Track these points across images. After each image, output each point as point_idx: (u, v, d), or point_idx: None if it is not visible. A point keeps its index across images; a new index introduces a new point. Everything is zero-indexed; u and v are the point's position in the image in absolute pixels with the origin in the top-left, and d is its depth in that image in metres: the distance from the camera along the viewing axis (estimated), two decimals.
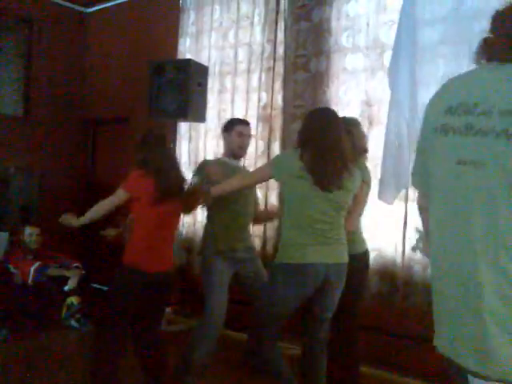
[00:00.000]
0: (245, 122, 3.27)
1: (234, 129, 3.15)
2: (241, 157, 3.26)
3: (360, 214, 2.85)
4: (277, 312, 2.53)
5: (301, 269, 2.44)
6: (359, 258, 2.82)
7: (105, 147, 5.99)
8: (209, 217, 3.13)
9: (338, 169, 2.44)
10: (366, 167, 2.95)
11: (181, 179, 2.85)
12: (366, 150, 2.98)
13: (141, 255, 2.75)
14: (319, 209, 2.44)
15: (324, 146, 2.44)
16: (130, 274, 2.76)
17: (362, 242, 2.95)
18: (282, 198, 2.70)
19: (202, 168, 3.14)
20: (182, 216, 2.96)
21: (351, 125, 2.82)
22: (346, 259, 2.55)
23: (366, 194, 2.85)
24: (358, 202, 2.69)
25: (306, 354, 2.70)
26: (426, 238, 1.47)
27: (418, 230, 3.38)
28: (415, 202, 3.30)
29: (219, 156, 3.51)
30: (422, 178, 1.41)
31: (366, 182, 2.75)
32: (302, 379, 2.69)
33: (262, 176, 2.75)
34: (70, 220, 2.87)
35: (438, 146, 1.32)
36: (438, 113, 1.33)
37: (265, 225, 4.23)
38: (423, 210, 1.48)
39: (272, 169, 2.58)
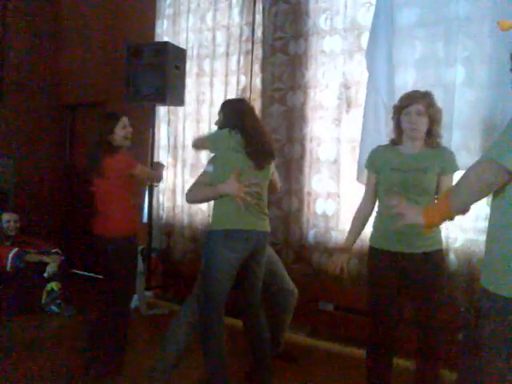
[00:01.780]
0: None
1: None
2: None
3: None
4: (215, 280, 2.62)
5: (234, 234, 2.62)
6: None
7: (82, 132, 5.91)
8: None
9: (270, 147, 2.79)
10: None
11: (92, 163, 3.13)
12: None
13: None
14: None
15: (256, 128, 2.74)
16: None
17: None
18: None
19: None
20: (105, 190, 3.14)
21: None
22: (269, 229, 2.79)
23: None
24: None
25: (245, 319, 2.84)
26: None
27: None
28: None
29: None
30: None
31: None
32: (247, 341, 2.84)
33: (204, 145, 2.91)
34: None
35: None
36: None
37: None
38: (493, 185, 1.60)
39: (209, 144, 2.81)
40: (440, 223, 1.82)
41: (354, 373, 3.08)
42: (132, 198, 3.21)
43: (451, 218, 1.78)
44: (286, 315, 3.30)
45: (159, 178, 3.74)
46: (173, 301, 4.63)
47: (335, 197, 3.87)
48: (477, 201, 1.65)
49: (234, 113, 2.77)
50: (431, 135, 2.50)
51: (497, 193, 1.63)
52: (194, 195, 2.80)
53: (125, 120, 3.15)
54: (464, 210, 1.75)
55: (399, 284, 2.53)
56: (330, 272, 2.64)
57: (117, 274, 3.13)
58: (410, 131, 2.47)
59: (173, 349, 2.88)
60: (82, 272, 5.64)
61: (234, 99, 2.94)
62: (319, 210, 3.97)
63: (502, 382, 1.59)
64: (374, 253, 2.59)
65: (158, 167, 3.60)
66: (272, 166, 2.86)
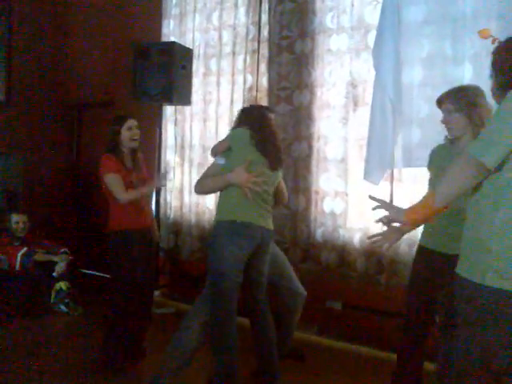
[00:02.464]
0: None
1: None
2: None
3: None
4: (223, 275, 2.61)
5: (239, 228, 2.63)
6: None
7: (89, 131, 5.93)
8: None
9: (280, 152, 2.83)
10: None
11: None
12: None
13: None
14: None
15: (270, 132, 2.80)
16: None
17: None
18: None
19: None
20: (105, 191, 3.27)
21: (478, 95, 2.44)
22: (272, 227, 2.81)
23: None
24: None
25: (251, 316, 2.84)
26: None
27: None
28: (400, 181, 3.36)
29: None
30: None
31: None
32: (254, 339, 2.83)
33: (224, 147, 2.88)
34: None
35: None
36: None
37: None
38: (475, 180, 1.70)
39: (228, 140, 2.81)
40: (424, 219, 1.84)
41: (362, 370, 3.08)
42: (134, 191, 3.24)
43: (434, 213, 1.81)
44: (294, 317, 3.29)
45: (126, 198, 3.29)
46: (180, 300, 4.65)
47: (343, 195, 3.87)
48: (459, 195, 1.71)
49: (250, 116, 2.82)
50: (477, 129, 2.38)
51: (474, 189, 1.70)
52: (203, 185, 2.83)
53: (131, 122, 3.27)
54: (446, 206, 1.77)
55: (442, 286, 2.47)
56: (371, 244, 2.51)
57: (113, 268, 3.24)
58: (447, 131, 2.50)
59: (182, 349, 2.86)
60: (90, 271, 5.66)
61: (252, 105, 3.03)
62: (327, 209, 3.97)
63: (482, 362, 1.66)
64: (424, 252, 2.58)
65: (158, 179, 3.53)
66: (280, 175, 2.88)
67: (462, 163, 1.67)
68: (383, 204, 1.96)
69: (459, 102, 2.41)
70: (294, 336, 3.46)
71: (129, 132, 3.25)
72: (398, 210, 1.90)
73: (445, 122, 2.49)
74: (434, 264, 2.49)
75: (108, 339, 3.22)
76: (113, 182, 3.16)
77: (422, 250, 2.59)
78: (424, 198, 1.82)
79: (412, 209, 1.88)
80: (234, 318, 2.68)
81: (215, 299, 2.68)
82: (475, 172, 1.63)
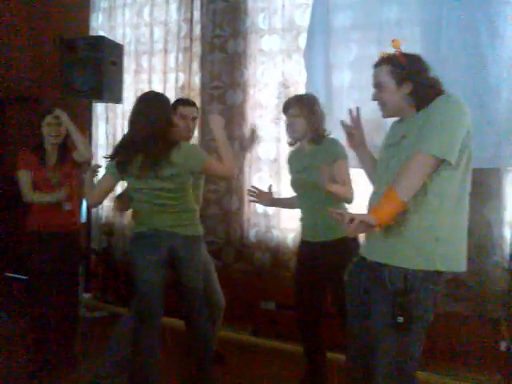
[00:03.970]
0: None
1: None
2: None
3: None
4: (140, 283, 2.65)
5: (143, 237, 2.66)
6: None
7: (12, 127, 5.65)
8: None
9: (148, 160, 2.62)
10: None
11: None
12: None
13: None
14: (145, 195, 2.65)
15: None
16: None
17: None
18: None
19: None
20: None
21: (316, 103, 2.79)
22: (188, 233, 2.68)
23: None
24: None
25: (187, 324, 2.82)
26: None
27: None
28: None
29: None
30: None
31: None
32: (190, 345, 2.84)
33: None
34: None
35: None
36: None
37: None
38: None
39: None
40: (391, 215, 1.88)
41: (297, 370, 3.13)
42: (46, 193, 3.13)
43: (400, 208, 1.90)
44: (214, 327, 3.16)
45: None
46: (114, 303, 4.55)
47: (276, 195, 3.90)
48: (417, 189, 1.89)
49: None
50: (313, 133, 2.74)
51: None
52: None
53: (49, 118, 3.15)
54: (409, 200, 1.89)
55: (317, 274, 2.75)
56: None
57: (28, 270, 3.17)
58: (289, 134, 2.81)
59: (118, 353, 2.83)
60: (14, 275, 5.42)
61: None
62: (260, 209, 4.00)
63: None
64: (300, 244, 2.91)
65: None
66: (185, 160, 2.63)
67: (419, 161, 1.86)
68: (345, 214, 1.89)
69: (303, 108, 2.71)
70: (226, 337, 3.47)
71: (47, 128, 3.15)
72: (361, 214, 1.88)
73: (289, 125, 2.77)
74: (307, 252, 2.79)
75: (32, 347, 3.13)
76: (21, 179, 3.08)
77: (300, 243, 2.91)
78: (384, 195, 1.91)
79: (377, 208, 1.91)
80: (154, 328, 2.65)
81: (136, 303, 2.70)
82: (430, 169, 1.87)
